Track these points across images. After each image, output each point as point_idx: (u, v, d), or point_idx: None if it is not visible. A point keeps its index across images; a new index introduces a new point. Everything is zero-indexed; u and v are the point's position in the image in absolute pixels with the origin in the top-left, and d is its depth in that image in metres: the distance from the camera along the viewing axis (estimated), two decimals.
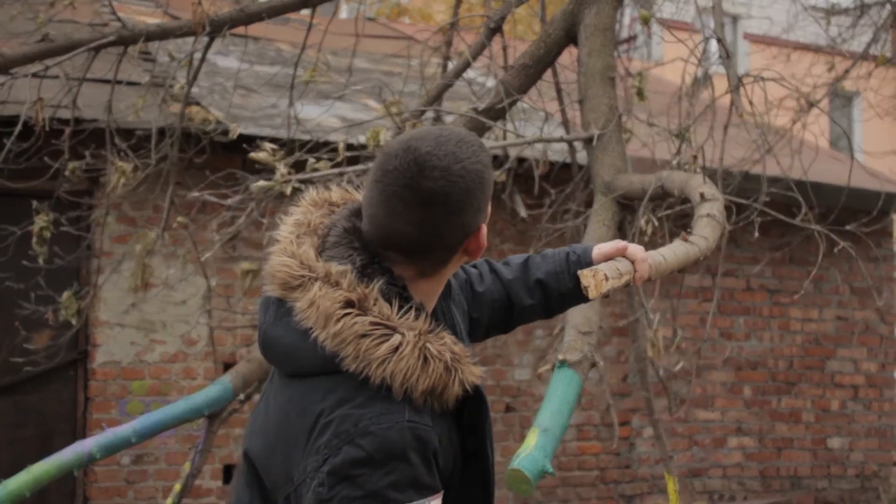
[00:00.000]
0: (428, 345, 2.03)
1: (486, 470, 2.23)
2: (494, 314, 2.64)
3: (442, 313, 2.26)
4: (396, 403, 2.01)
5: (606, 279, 2.47)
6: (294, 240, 2.17)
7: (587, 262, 2.59)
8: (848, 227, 4.78)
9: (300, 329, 2.09)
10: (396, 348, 2.02)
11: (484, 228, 2.14)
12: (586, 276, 2.46)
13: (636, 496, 8.87)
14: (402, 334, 2.03)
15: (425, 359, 2.02)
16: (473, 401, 2.12)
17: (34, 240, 5.98)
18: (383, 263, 2.12)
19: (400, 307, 2.07)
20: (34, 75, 6.12)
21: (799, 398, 9.57)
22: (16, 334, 6.72)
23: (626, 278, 2.53)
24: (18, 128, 5.99)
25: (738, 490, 9.31)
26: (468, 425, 2.15)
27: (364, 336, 2.02)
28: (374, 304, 2.05)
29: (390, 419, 1.99)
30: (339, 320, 2.04)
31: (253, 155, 3.87)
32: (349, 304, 2.05)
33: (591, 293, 2.46)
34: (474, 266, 2.64)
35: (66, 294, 6.25)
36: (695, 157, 4.25)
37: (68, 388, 7.30)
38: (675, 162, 4.73)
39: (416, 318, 2.07)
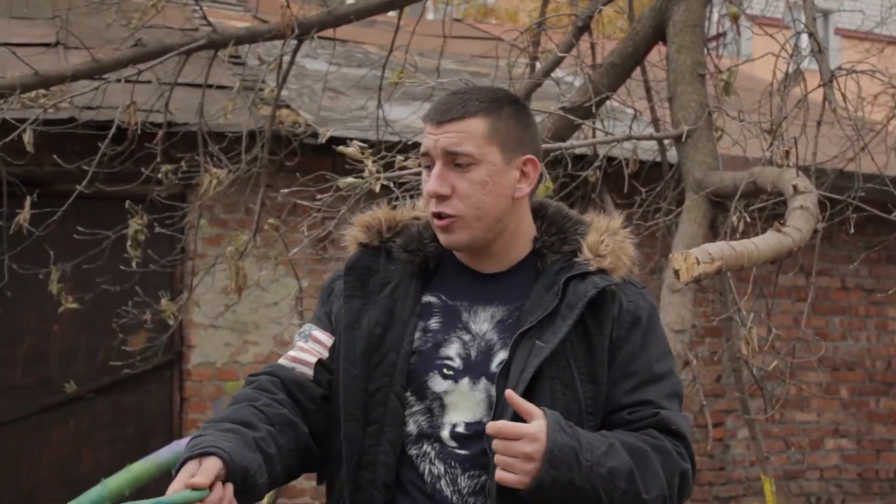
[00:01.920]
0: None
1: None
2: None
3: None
4: None
5: (698, 263, 2.44)
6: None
7: None
8: None
9: None
10: None
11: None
12: (678, 260, 2.43)
13: (731, 498, 8.76)
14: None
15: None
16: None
17: (129, 243, 6.07)
18: None
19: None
20: (127, 80, 6.22)
21: None
22: (114, 337, 6.84)
23: (718, 264, 2.48)
24: (112, 131, 6.09)
25: (836, 493, 9.15)
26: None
27: None
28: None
29: None
30: None
31: (342, 148, 3.90)
32: None
33: (683, 276, 2.43)
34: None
35: (164, 301, 6.36)
36: (787, 153, 4.17)
37: (165, 388, 7.42)
38: (767, 154, 4.64)
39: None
